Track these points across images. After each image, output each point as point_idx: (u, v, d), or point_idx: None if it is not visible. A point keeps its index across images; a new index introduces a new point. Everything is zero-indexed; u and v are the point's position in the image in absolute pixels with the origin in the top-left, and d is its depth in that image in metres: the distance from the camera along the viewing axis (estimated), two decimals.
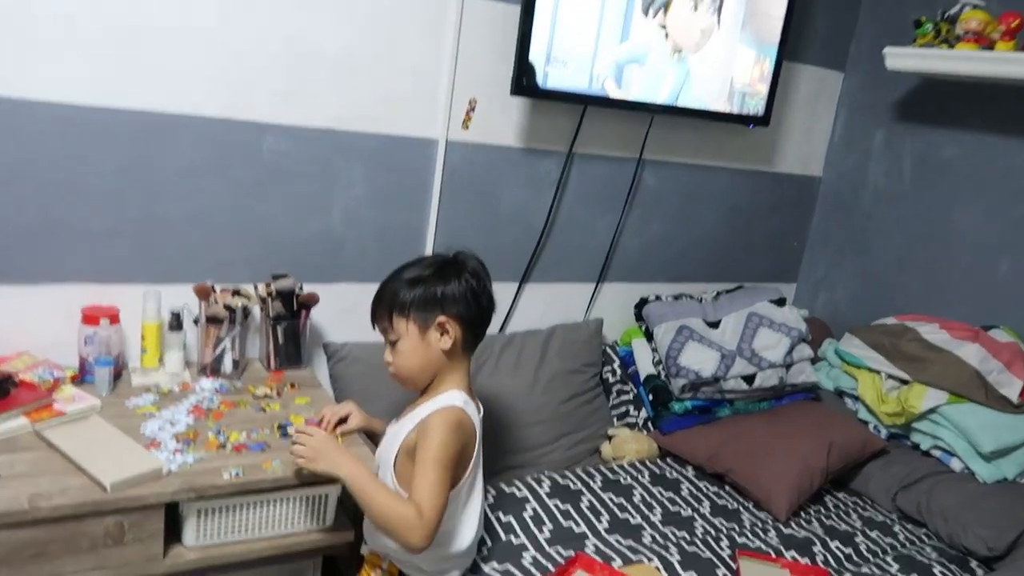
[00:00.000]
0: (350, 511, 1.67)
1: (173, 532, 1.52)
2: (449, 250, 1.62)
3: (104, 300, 1.87)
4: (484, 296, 1.58)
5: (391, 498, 1.45)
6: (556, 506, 1.99)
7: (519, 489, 2.04)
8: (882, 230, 2.79)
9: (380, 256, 2.17)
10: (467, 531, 1.59)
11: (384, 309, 1.55)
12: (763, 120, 2.50)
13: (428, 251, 2.25)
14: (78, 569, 1.42)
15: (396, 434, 1.56)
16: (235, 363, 1.97)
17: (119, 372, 1.87)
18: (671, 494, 2.13)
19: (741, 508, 2.12)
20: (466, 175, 2.25)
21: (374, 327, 1.60)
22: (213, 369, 1.95)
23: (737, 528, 2.02)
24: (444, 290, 1.52)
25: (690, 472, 2.26)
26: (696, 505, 2.10)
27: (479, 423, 1.58)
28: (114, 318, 1.84)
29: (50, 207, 1.78)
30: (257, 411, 1.80)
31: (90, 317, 1.80)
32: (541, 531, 1.88)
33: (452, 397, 1.53)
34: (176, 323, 1.90)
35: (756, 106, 2.47)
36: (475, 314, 1.55)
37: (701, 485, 2.20)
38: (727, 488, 2.21)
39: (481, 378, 2.24)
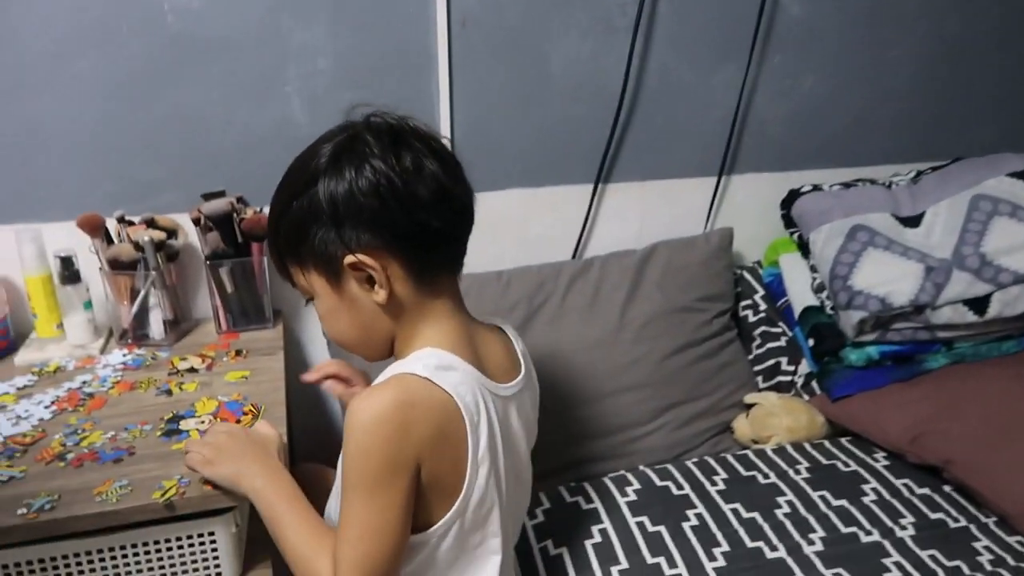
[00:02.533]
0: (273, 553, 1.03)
1: None
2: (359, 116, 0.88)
3: None
4: (424, 183, 0.83)
5: (308, 537, 0.87)
6: (642, 526, 1.23)
7: (586, 498, 1.30)
8: None
9: None
10: None
11: (273, 250, 0.91)
12: None
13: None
14: None
15: None
16: (169, 324, 1.38)
17: (7, 346, 1.35)
18: (844, 502, 1.28)
19: (972, 528, 1.23)
20: (488, 24, 1.48)
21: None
22: (138, 335, 1.38)
23: (966, 568, 1.14)
24: (336, 201, 0.82)
25: (880, 462, 1.39)
26: (889, 523, 1.24)
27: (492, 399, 0.88)
28: None
29: None
30: (160, 395, 1.20)
31: None
32: (607, 573, 1.14)
33: (411, 362, 0.85)
34: (68, 272, 1.33)
35: None
36: (415, 224, 0.83)
37: (899, 486, 1.33)
38: (945, 490, 1.32)
39: (537, 326, 1.50)
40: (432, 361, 0.84)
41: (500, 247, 1.61)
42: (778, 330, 1.65)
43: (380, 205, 0.81)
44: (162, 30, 1.33)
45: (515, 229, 1.63)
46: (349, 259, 0.83)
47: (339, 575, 0.81)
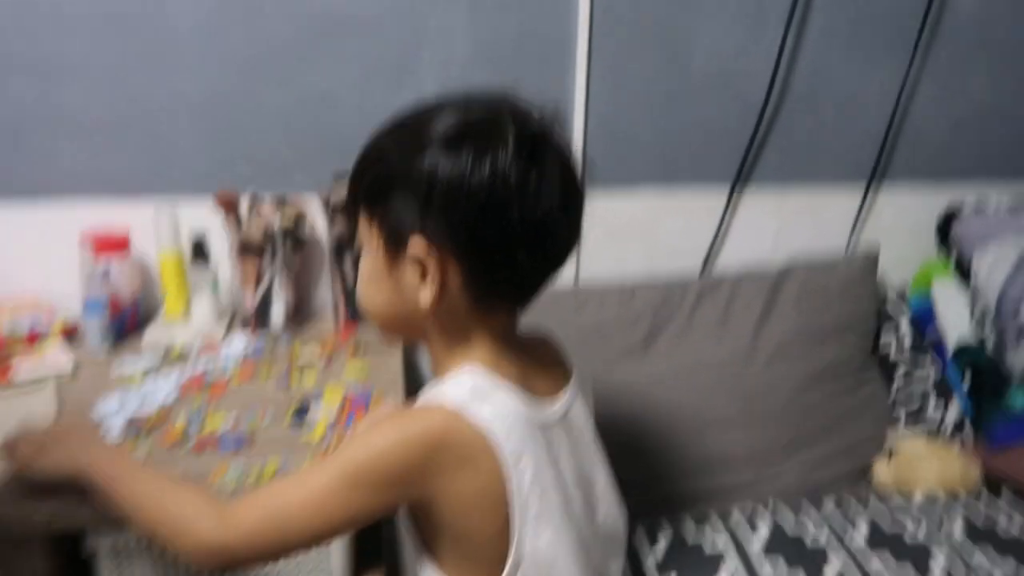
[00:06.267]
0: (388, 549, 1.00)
1: None
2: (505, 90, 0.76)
3: (116, 220, 1.36)
4: (535, 209, 0.70)
5: (170, 487, 0.77)
6: (776, 569, 1.13)
7: (715, 530, 1.21)
8: None
9: None
10: None
11: (351, 187, 0.77)
12: None
13: (578, 139, 1.45)
14: None
15: None
16: (290, 313, 1.37)
17: (135, 323, 1.36)
18: (1010, 564, 1.14)
19: None
20: (630, 11, 1.40)
21: None
22: (259, 321, 1.37)
23: None
24: (437, 180, 0.69)
25: None
26: None
27: (540, 427, 0.76)
28: (117, 245, 1.32)
29: (16, 88, 1.29)
30: (280, 386, 1.18)
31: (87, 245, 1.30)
32: None
33: (454, 386, 0.74)
34: (200, 253, 1.34)
35: None
36: (501, 247, 0.72)
37: None
38: None
39: (662, 343, 1.41)
40: (468, 385, 0.73)
41: (625, 251, 1.54)
42: (925, 367, 1.49)
43: (478, 210, 0.69)
44: (304, 10, 1.32)
45: (643, 233, 1.55)
46: (415, 245, 0.71)
47: (239, 515, 0.71)
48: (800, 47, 1.47)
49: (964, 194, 1.57)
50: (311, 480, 0.71)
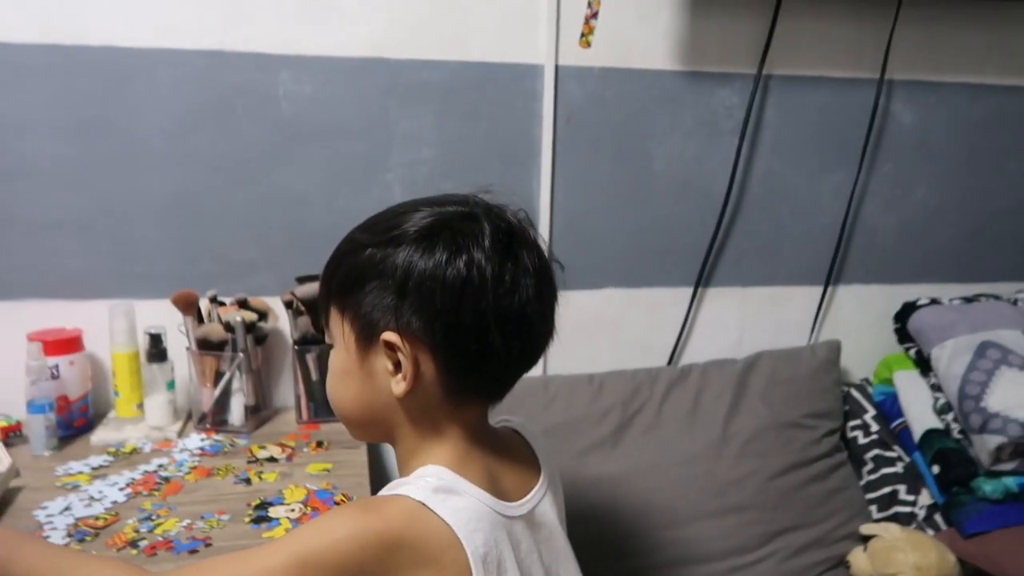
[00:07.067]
0: None
1: None
2: (480, 190, 0.79)
3: (69, 321, 1.33)
4: (511, 302, 0.72)
5: (85, 560, 0.75)
6: None
7: None
8: None
9: None
10: None
11: (323, 282, 0.78)
12: None
13: (545, 236, 1.48)
14: None
15: None
16: (249, 410, 1.32)
17: (85, 422, 1.30)
18: None
19: None
20: (593, 119, 1.47)
21: None
22: (217, 420, 1.32)
23: None
24: (412, 274, 0.70)
25: None
26: None
27: (506, 525, 0.75)
28: (67, 344, 1.28)
29: None
30: (238, 483, 1.12)
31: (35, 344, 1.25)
32: None
33: (418, 481, 0.72)
34: (155, 350, 1.30)
35: None
36: (476, 338, 0.71)
37: None
38: None
39: (632, 435, 1.40)
40: (432, 482, 0.71)
41: (592, 349, 1.54)
42: (893, 454, 1.50)
43: (454, 302, 0.70)
44: (275, 113, 1.34)
45: (609, 330, 1.55)
46: (388, 335, 0.71)
47: None
48: (754, 156, 1.54)
49: (915, 294, 1.62)
50: (259, 559, 0.67)
